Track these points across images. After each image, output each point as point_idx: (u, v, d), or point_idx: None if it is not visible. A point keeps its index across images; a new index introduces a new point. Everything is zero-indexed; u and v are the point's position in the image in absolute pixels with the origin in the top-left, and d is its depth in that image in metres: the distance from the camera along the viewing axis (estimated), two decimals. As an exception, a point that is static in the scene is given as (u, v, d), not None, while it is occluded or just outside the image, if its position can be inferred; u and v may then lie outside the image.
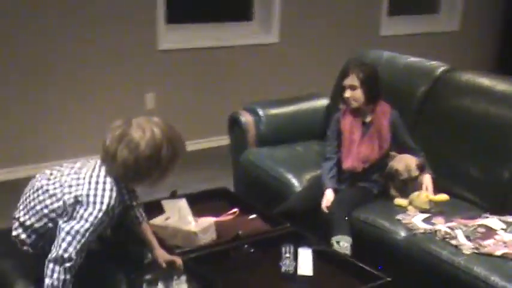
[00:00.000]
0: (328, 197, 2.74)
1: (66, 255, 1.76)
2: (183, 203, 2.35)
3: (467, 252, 2.30)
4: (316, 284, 2.07)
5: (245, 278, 2.12)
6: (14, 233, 1.95)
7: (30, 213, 1.92)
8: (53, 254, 1.77)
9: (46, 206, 1.89)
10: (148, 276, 1.95)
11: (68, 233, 1.77)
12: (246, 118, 3.41)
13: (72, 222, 1.79)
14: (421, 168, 2.73)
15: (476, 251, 2.29)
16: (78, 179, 1.86)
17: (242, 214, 2.55)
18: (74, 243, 1.77)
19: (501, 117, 2.72)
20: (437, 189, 2.76)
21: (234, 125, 3.46)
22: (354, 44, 4.63)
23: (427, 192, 2.68)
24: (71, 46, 4.02)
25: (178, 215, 2.33)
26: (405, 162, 2.74)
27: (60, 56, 3.98)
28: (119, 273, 1.93)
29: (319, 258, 2.20)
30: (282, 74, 4.89)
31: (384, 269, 2.15)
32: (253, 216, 2.53)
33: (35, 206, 1.91)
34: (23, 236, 1.93)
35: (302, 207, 2.77)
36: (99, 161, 1.91)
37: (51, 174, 1.96)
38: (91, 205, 1.80)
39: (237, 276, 2.12)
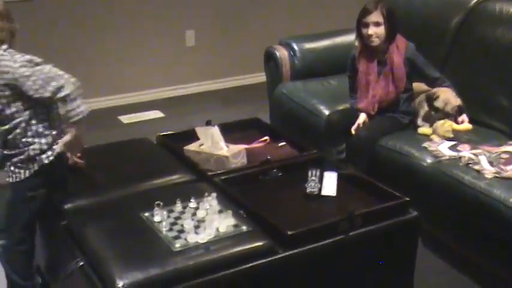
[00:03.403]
0: (361, 119, 2.83)
1: None
2: (215, 130, 2.48)
3: (489, 176, 2.37)
4: (337, 202, 2.18)
5: (271, 197, 2.25)
6: None
7: None
8: None
9: None
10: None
11: None
12: (281, 52, 3.50)
13: None
14: (460, 112, 2.76)
15: (497, 175, 2.36)
16: None
17: (272, 142, 2.68)
18: None
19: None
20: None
21: (270, 60, 3.55)
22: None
23: (451, 121, 2.74)
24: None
25: (211, 141, 2.47)
26: (448, 97, 2.76)
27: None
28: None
29: (343, 181, 2.31)
30: (319, 9, 4.91)
31: (409, 193, 2.24)
32: (283, 143, 2.65)
33: None
34: None
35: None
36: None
37: None
38: None
39: (264, 196, 2.26)
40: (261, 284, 1.86)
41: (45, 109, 2.03)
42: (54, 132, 2.05)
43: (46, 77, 1.93)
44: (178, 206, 2.02)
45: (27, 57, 1.97)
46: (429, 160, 2.59)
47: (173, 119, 4.16)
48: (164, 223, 1.92)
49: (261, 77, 4.06)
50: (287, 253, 1.87)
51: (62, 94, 1.94)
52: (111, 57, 4.28)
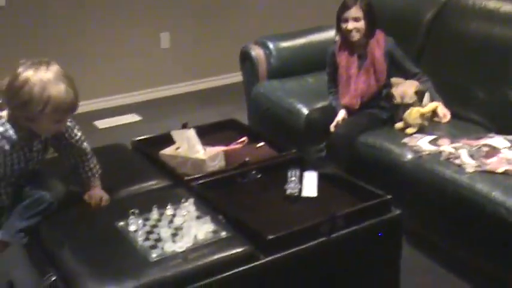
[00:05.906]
0: (340, 116, 2.80)
1: None
2: (191, 132, 2.42)
3: (470, 170, 2.33)
4: (319, 203, 2.13)
5: (251, 201, 2.19)
6: None
7: None
8: None
9: None
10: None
11: None
12: (256, 52, 3.45)
13: None
14: (421, 95, 2.74)
15: (479, 169, 2.33)
16: None
17: (250, 143, 2.62)
18: None
19: (505, 39, 2.70)
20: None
21: (245, 60, 3.50)
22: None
23: (417, 107, 2.70)
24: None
25: (188, 145, 2.41)
26: (402, 88, 2.74)
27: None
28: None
29: (324, 181, 2.26)
30: (295, 8, 4.87)
31: (390, 190, 2.19)
32: (261, 144, 2.59)
33: None
34: None
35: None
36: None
37: None
38: None
39: (243, 199, 2.20)
40: (242, 291, 1.80)
41: None
42: None
43: None
44: (155, 214, 1.95)
45: None
46: (409, 156, 2.55)
47: (150, 122, 4.09)
48: (140, 232, 1.85)
49: (238, 77, 4.01)
50: (268, 258, 1.82)
51: None
52: (85, 61, 4.18)
